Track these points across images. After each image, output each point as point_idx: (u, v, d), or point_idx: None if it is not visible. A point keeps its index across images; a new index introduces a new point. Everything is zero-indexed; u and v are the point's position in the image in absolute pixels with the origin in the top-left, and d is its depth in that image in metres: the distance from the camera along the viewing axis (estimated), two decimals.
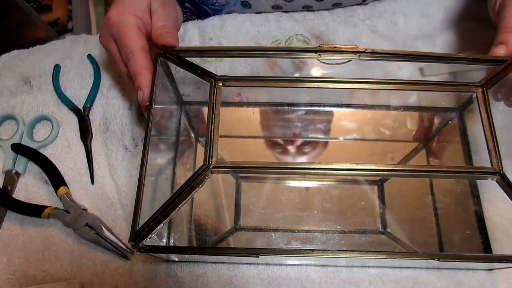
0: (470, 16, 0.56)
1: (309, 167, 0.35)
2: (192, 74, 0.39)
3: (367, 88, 0.39)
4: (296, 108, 0.52)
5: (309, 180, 0.49)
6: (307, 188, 0.49)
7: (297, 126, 0.52)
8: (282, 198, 0.48)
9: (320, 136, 0.51)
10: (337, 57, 0.38)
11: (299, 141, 0.51)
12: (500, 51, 0.39)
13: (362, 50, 0.38)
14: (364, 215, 0.47)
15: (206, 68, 0.39)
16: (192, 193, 0.34)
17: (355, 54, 0.38)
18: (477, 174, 0.35)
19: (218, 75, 0.38)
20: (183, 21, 0.58)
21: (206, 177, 0.34)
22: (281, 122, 0.52)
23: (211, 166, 0.34)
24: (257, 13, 0.57)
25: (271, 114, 0.52)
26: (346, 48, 0.38)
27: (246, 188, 0.49)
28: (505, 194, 0.34)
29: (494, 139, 0.36)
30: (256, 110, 0.52)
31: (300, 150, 0.51)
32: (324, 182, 0.49)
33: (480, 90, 0.38)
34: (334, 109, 0.52)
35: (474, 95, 0.39)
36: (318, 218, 0.46)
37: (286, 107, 0.52)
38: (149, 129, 0.37)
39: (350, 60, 0.39)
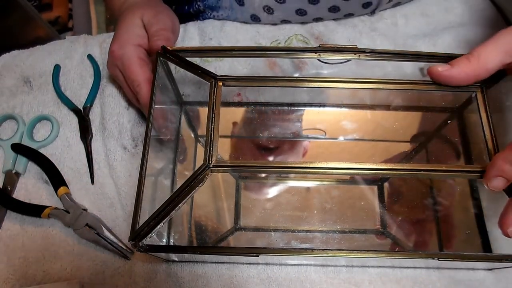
0: (470, 16, 0.56)
1: (309, 166, 0.35)
2: (192, 74, 0.39)
3: (367, 88, 0.39)
4: (296, 108, 0.52)
5: (309, 180, 0.49)
6: (307, 188, 0.49)
7: (297, 126, 0.52)
8: (282, 198, 0.48)
9: (319, 136, 0.51)
10: (337, 57, 0.38)
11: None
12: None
13: (362, 50, 0.38)
14: (364, 215, 0.47)
15: (206, 68, 0.39)
16: (192, 193, 0.34)
17: (355, 54, 0.38)
18: (476, 174, 0.35)
19: (218, 75, 0.38)
20: (184, 22, 0.58)
21: (206, 176, 0.34)
22: (280, 122, 0.52)
23: (211, 166, 0.34)
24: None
25: (271, 114, 0.52)
26: (346, 47, 0.38)
27: (246, 188, 0.49)
28: (504, 193, 0.34)
29: (494, 139, 0.36)
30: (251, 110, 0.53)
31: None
32: (324, 182, 0.49)
33: (479, 90, 0.38)
34: (334, 109, 0.52)
35: (473, 95, 0.39)
36: (318, 218, 0.46)
37: (286, 107, 0.52)
38: (149, 129, 0.37)
39: (349, 60, 0.39)
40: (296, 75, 0.53)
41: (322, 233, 0.45)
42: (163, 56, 0.40)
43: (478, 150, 0.47)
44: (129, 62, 0.44)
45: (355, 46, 0.38)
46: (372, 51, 0.38)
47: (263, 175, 0.49)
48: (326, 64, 0.40)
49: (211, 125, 0.36)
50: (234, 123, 0.51)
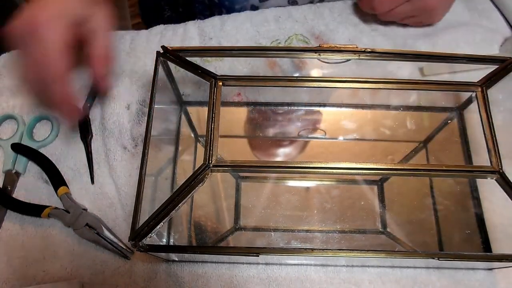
0: (470, 16, 0.56)
1: (309, 166, 0.35)
2: (192, 74, 0.39)
3: (367, 88, 0.39)
4: (296, 108, 0.52)
5: (309, 180, 0.49)
6: (307, 188, 0.49)
7: (297, 126, 0.52)
8: (282, 198, 0.48)
9: (319, 136, 0.51)
10: (337, 57, 0.38)
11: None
12: None
13: (362, 50, 0.38)
14: (364, 215, 0.47)
15: (206, 68, 0.39)
16: (192, 192, 0.34)
17: (355, 54, 0.38)
18: (476, 173, 0.35)
19: (218, 74, 0.38)
20: (184, 21, 0.58)
21: (206, 176, 0.34)
22: (280, 122, 0.52)
23: (211, 165, 0.34)
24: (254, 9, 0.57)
25: (271, 114, 0.52)
26: (346, 47, 0.38)
27: (246, 188, 0.49)
28: (504, 193, 0.34)
29: (494, 138, 0.36)
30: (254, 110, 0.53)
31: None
32: (324, 182, 0.49)
33: (480, 89, 0.38)
34: (334, 109, 0.52)
35: (473, 95, 0.39)
36: (318, 218, 0.46)
37: (286, 107, 0.52)
38: (149, 129, 0.37)
39: (349, 60, 0.39)
40: (296, 75, 0.53)
41: (322, 233, 0.45)
42: (163, 56, 0.40)
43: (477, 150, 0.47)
44: (53, 46, 0.34)
45: (355, 46, 0.38)
46: (372, 51, 0.38)
47: (263, 175, 0.49)
48: (326, 64, 0.40)
49: (211, 125, 0.36)
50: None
